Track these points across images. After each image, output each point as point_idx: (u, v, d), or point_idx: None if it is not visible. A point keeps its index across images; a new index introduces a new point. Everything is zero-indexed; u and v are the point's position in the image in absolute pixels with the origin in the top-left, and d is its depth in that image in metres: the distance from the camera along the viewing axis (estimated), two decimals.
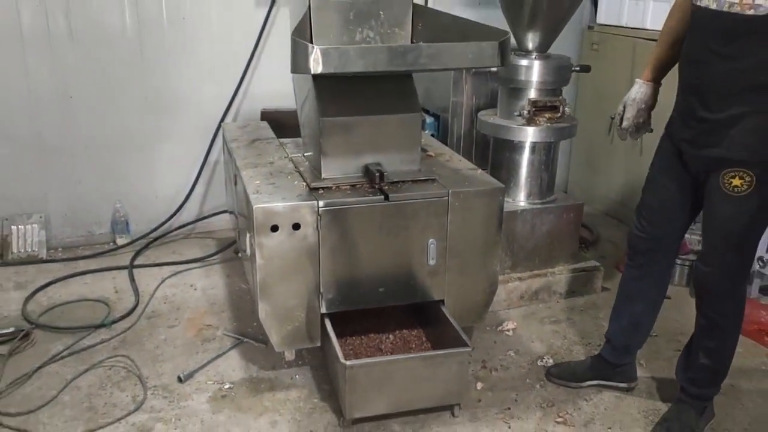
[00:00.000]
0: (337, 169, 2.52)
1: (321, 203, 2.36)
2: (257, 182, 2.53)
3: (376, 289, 2.51)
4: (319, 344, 2.54)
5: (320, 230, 2.37)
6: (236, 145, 3.02)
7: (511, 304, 3.14)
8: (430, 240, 2.49)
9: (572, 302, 3.23)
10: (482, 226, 2.56)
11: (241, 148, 2.98)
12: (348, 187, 2.49)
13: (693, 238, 3.32)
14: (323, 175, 2.51)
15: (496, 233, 2.59)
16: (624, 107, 2.33)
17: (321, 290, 2.45)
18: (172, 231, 3.83)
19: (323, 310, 2.48)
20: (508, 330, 2.96)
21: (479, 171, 2.73)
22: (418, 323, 2.78)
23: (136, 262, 3.55)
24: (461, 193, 2.49)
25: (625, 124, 2.33)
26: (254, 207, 2.31)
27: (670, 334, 2.94)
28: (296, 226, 2.35)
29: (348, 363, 2.22)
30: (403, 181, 2.53)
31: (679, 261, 3.37)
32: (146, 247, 3.72)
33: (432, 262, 2.52)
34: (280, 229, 2.33)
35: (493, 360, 2.75)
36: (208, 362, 2.69)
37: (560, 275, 3.22)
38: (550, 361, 2.74)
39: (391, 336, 2.73)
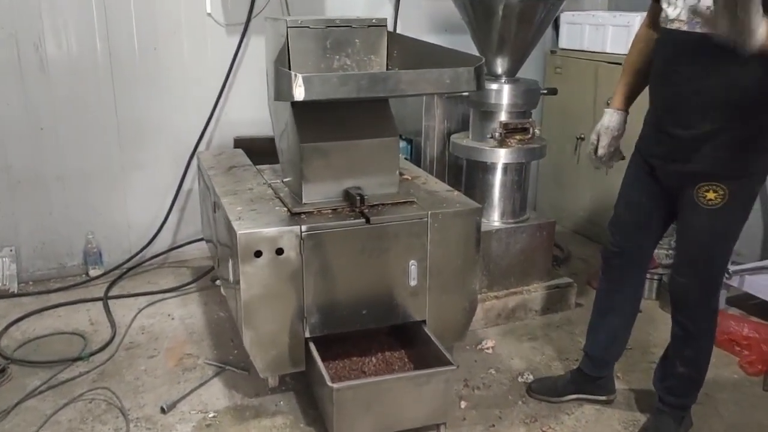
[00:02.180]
0: (317, 193, 2.55)
1: (303, 228, 2.38)
2: (239, 209, 2.55)
3: (359, 312, 2.54)
4: (303, 369, 2.55)
5: (303, 254, 2.39)
6: (214, 173, 3.03)
7: (488, 322, 3.19)
8: (411, 261, 2.54)
9: (548, 319, 3.29)
10: (461, 246, 2.61)
11: (218, 176, 2.99)
12: (329, 211, 2.52)
13: (661, 252, 3.42)
14: (304, 200, 2.54)
15: (474, 252, 2.64)
16: (598, 136, 2.40)
17: (305, 314, 2.47)
18: (146, 261, 3.81)
19: (307, 334, 2.49)
20: (487, 348, 3.00)
21: (455, 192, 2.79)
22: (400, 345, 2.80)
23: (111, 293, 3.51)
24: (440, 214, 2.55)
25: (600, 152, 2.39)
26: (238, 233, 2.32)
27: (644, 347, 3.02)
28: (279, 251, 2.37)
29: (335, 386, 2.23)
30: (383, 204, 2.58)
31: (648, 275, 3.46)
32: (120, 277, 3.69)
33: (413, 283, 2.56)
34: (263, 254, 2.35)
35: (475, 378, 2.78)
36: (191, 391, 2.67)
37: (535, 293, 3.29)
38: (530, 377, 2.78)
39: (373, 359, 2.74)
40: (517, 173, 3.23)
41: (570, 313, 3.35)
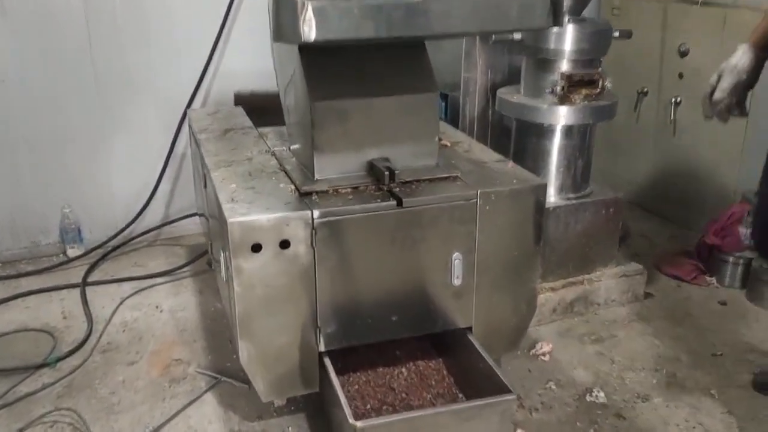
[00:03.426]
0: (334, 167, 1.97)
1: (316, 213, 1.81)
2: (232, 186, 1.98)
3: (388, 319, 1.98)
4: (317, 390, 2.01)
5: (316, 248, 1.83)
6: (205, 137, 2.45)
7: (542, 319, 2.62)
8: (455, 254, 1.96)
9: (613, 313, 2.72)
10: (519, 234, 2.03)
11: (210, 141, 2.41)
12: (349, 190, 1.94)
13: (748, 231, 2.82)
14: (317, 176, 1.96)
15: (535, 242, 2.06)
16: (719, 76, 1.86)
17: (318, 323, 1.91)
18: (133, 238, 3.27)
19: (322, 347, 1.95)
20: (543, 354, 2.44)
21: (510, 163, 2.20)
22: (436, 352, 2.26)
23: (90, 279, 2.98)
24: (492, 193, 1.96)
25: (717, 95, 1.87)
26: (229, 222, 1.76)
27: (738, 352, 2.44)
28: (284, 244, 1.80)
29: (359, 425, 1.69)
30: (418, 181, 1.99)
31: (731, 258, 2.88)
32: (103, 258, 3.15)
33: (457, 282, 1.99)
34: (263, 248, 1.79)
35: (532, 396, 2.23)
36: (177, 413, 2.15)
37: (598, 282, 2.71)
38: (601, 395, 2.22)
39: (404, 370, 2.21)
40: (581, 137, 2.62)
41: (639, 307, 2.77)
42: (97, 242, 3.19)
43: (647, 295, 2.83)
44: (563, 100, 2.52)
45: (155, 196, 3.24)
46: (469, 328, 2.09)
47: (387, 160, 1.97)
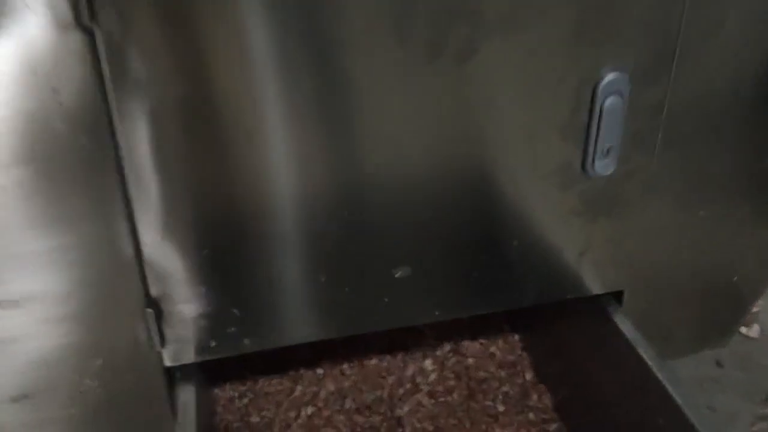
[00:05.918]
0: None
1: None
2: None
3: (385, 277, 0.64)
4: None
5: (99, 25, 0.46)
6: None
7: None
8: (608, 76, 0.57)
9: None
10: None
11: None
12: None
13: None
14: None
15: None
16: None
17: (152, 293, 0.58)
18: None
19: (171, 360, 0.63)
20: (747, 323, 1.10)
21: None
22: (505, 310, 0.95)
23: None
24: None
25: None
26: None
27: None
28: None
29: None
30: None
31: None
32: None
33: (604, 166, 0.63)
34: None
35: None
36: None
37: None
38: None
39: (428, 364, 0.93)
40: None
41: None
42: None
43: None
44: None
45: None
46: (617, 295, 0.74)
47: None
